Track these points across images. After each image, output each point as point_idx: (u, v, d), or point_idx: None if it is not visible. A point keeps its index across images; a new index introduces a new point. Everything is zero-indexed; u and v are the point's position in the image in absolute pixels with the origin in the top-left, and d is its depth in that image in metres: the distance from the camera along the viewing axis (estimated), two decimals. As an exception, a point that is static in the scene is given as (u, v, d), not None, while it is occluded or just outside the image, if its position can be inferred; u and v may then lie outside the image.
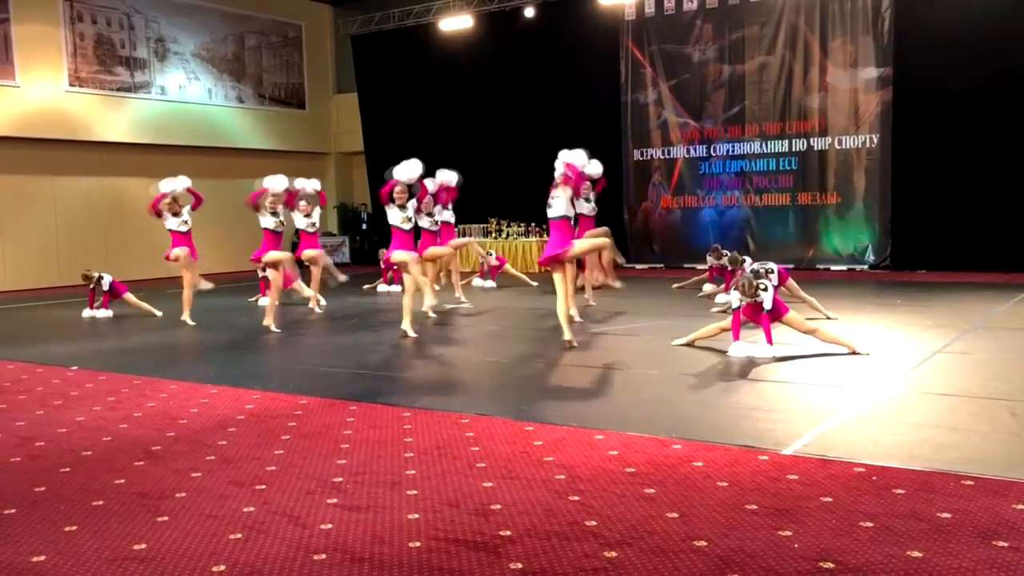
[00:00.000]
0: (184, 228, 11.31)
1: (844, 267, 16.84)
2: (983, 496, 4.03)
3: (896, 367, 7.12)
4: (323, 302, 12.36)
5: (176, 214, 11.27)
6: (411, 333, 9.39)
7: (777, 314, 7.81)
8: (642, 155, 18.90)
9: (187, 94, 20.59)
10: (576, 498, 4.19)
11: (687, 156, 18.38)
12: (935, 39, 15.27)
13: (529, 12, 19.22)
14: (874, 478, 4.34)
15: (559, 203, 8.48)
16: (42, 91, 17.87)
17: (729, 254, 12.13)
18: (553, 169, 8.85)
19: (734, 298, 8.07)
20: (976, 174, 15.29)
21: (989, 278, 14.09)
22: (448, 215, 12.50)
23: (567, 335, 8.48)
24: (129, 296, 12.45)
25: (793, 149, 17.26)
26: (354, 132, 23.07)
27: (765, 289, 7.70)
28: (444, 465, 4.78)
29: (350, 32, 22.50)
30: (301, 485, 4.51)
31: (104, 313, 12.32)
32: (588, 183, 10.59)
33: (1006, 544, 3.50)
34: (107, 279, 12.46)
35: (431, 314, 10.93)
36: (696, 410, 5.98)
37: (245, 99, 21.92)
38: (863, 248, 16.82)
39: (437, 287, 12.20)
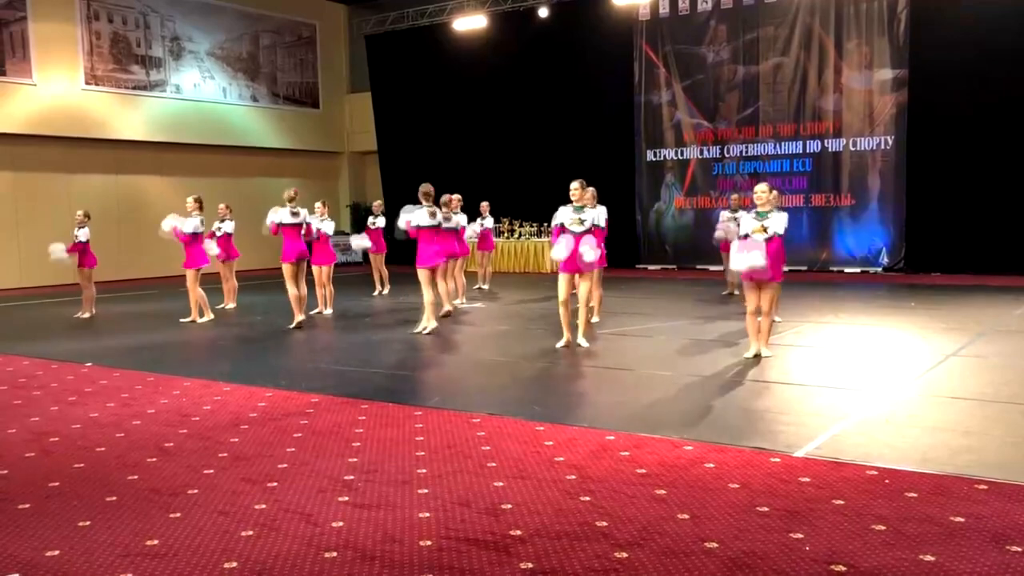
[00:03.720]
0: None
1: (858, 269, 16.76)
2: (997, 500, 4.01)
3: (909, 370, 7.08)
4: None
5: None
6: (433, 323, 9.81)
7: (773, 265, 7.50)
8: (655, 155, 18.87)
9: (202, 93, 20.70)
10: (587, 498, 4.19)
11: (700, 157, 18.36)
12: (951, 40, 15.17)
13: (543, 12, 19.24)
14: (887, 481, 4.32)
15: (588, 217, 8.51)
16: (58, 89, 18.00)
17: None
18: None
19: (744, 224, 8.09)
20: (991, 177, 15.20)
21: (1004, 281, 14.00)
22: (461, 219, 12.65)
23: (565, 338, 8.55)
24: (87, 276, 12.21)
25: (807, 150, 17.20)
26: (367, 131, 23.14)
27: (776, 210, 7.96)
28: (455, 464, 4.78)
29: (364, 32, 22.58)
30: (313, 483, 4.53)
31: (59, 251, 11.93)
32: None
33: (1019, 549, 3.48)
34: (85, 233, 12.09)
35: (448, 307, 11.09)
36: (708, 412, 5.96)
37: (259, 98, 22.01)
38: (877, 250, 16.74)
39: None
